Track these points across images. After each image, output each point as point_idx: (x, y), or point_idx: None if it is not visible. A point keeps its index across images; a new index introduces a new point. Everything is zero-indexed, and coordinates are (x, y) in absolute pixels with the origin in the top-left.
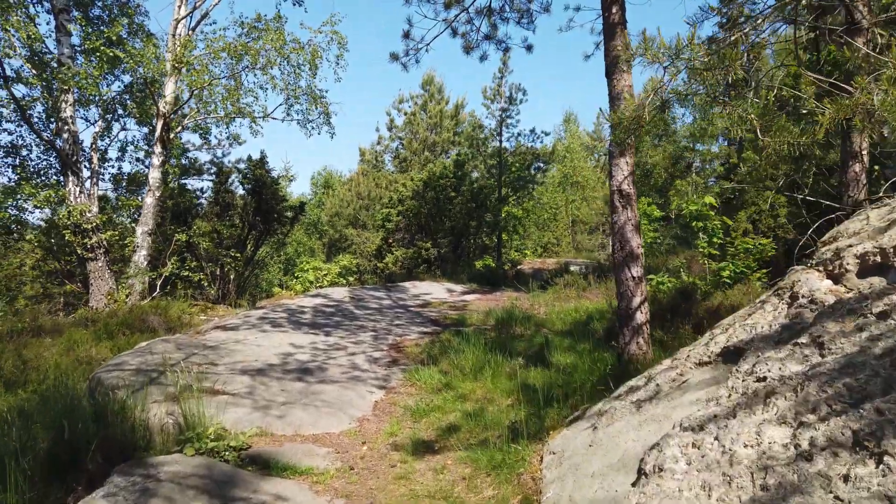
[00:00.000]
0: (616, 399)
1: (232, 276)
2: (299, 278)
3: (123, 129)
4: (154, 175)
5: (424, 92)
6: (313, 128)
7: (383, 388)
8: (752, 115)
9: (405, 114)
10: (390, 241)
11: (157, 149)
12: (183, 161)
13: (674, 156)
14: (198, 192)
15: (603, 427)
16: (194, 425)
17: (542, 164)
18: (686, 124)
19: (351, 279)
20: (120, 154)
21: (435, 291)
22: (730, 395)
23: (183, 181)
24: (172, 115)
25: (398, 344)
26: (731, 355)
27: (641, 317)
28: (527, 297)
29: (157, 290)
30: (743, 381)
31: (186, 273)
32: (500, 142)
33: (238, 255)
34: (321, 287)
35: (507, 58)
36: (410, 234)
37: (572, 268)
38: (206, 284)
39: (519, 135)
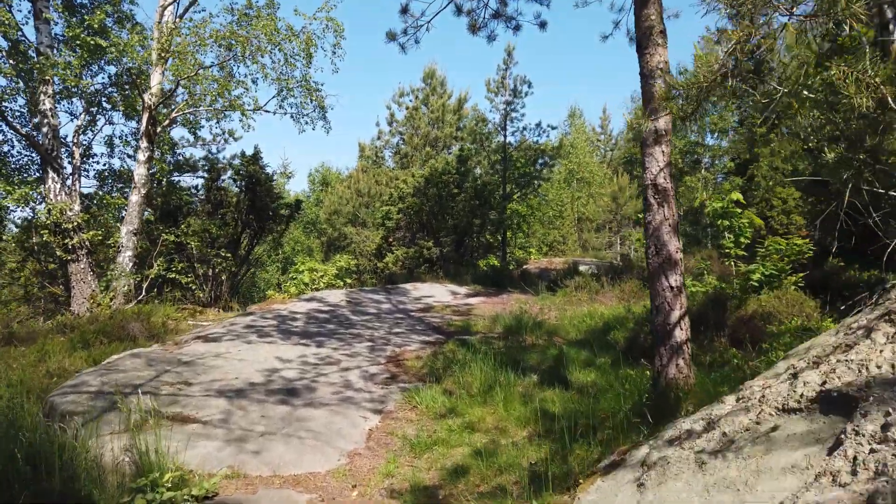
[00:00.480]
0: (667, 445)
1: (224, 278)
2: (294, 280)
3: (109, 122)
4: (139, 172)
5: (426, 85)
6: (308, 122)
7: (379, 413)
8: (877, 78)
9: (406, 108)
10: (391, 239)
11: (143, 144)
12: (174, 157)
13: (684, 150)
14: (191, 190)
15: (653, 486)
16: (151, 467)
17: (548, 160)
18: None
19: (349, 281)
20: (108, 150)
21: (437, 294)
22: (854, 471)
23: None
24: (159, 109)
25: (397, 356)
26: (837, 404)
27: (681, 334)
28: (535, 300)
29: (143, 293)
30: (871, 449)
31: (173, 275)
32: (505, 136)
33: (229, 255)
34: (317, 289)
35: (512, 47)
36: (412, 232)
37: (581, 268)
38: (194, 287)
39: (524, 129)
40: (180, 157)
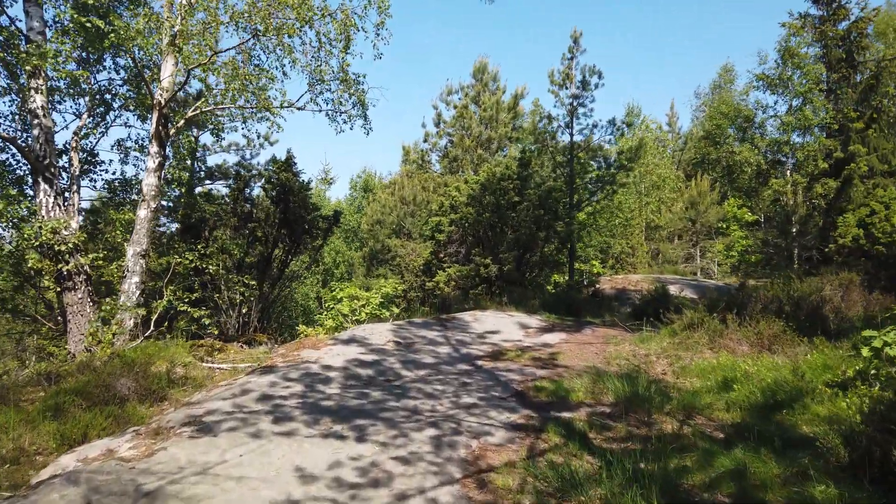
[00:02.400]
0: None
1: (250, 306)
2: (331, 311)
3: (126, 125)
4: (149, 181)
5: (476, 81)
6: (345, 121)
7: None
8: None
9: (454, 107)
10: (441, 255)
11: (153, 148)
12: (199, 164)
13: (766, 150)
14: (223, 200)
15: None
16: None
17: (624, 162)
18: (778, 114)
19: (396, 310)
20: (123, 156)
21: (505, 328)
22: None
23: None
24: (173, 107)
25: (477, 460)
26: None
27: None
28: (630, 339)
29: (152, 326)
30: None
31: (184, 307)
32: (571, 135)
33: (254, 283)
34: (358, 321)
35: (579, 33)
36: (466, 246)
37: (671, 289)
38: (207, 322)
39: (594, 126)
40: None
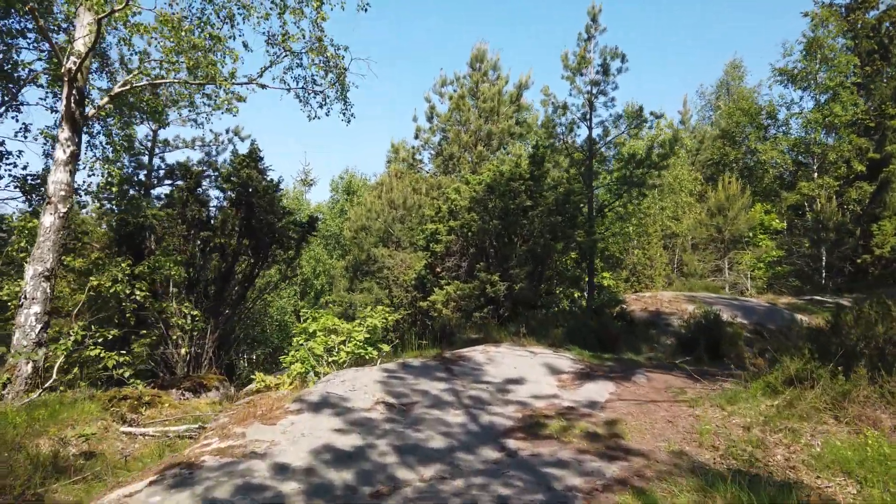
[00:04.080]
0: None
1: (203, 334)
2: (300, 351)
3: (52, 110)
4: (57, 178)
5: (474, 70)
6: (320, 104)
7: None
8: None
9: (450, 98)
10: (438, 269)
11: (63, 133)
12: (133, 159)
13: (790, 150)
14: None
15: None
16: None
17: (656, 160)
18: (804, 110)
19: (386, 347)
20: (48, 146)
21: (530, 373)
22: None
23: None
24: (93, 81)
25: None
26: None
27: None
28: (706, 394)
29: (54, 374)
30: None
31: (97, 350)
32: (590, 129)
33: (195, 312)
34: (336, 361)
35: (597, 9)
36: (468, 260)
37: (722, 312)
38: (126, 375)
39: (618, 118)
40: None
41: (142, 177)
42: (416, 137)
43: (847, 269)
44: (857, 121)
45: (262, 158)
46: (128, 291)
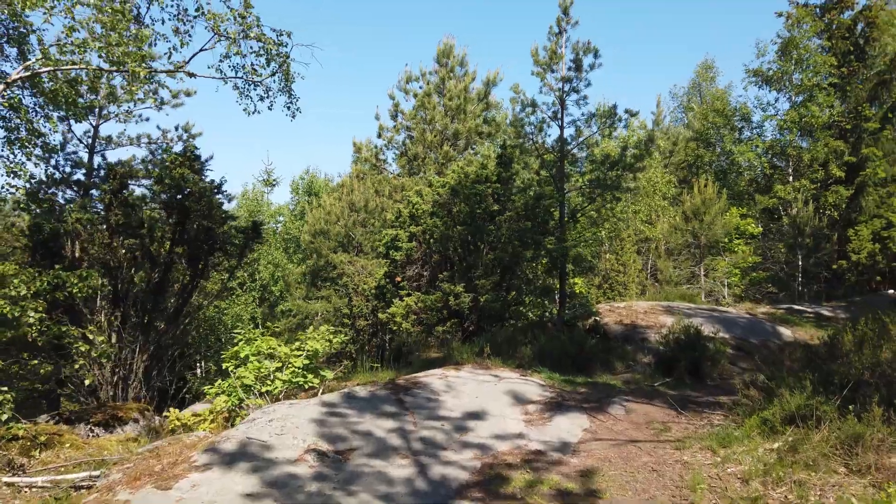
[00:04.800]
0: None
1: (130, 355)
2: (228, 381)
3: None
4: None
5: (441, 66)
6: (262, 97)
7: None
8: None
9: (415, 96)
10: (398, 279)
11: None
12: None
13: (767, 153)
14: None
15: None
16: None
17: (632, 161)
18: (779, 112)
19: (329, 375)
20: None
21: (493, 404)
22: None
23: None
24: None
25: None
26: None
27: None
28: (694, 432)
29: None
30: None
31: None
32: (562, 128)
33: (100, 338)
34: (271, 393)
35: (569, 1)
36: (430, 268)
37: (703, 328)
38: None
39: (591, 117)
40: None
41: (80, 176)
42: (380, 136)
43: (823, 275)
44: (833, 123)
45: (198, 157)
46: (16, 314)
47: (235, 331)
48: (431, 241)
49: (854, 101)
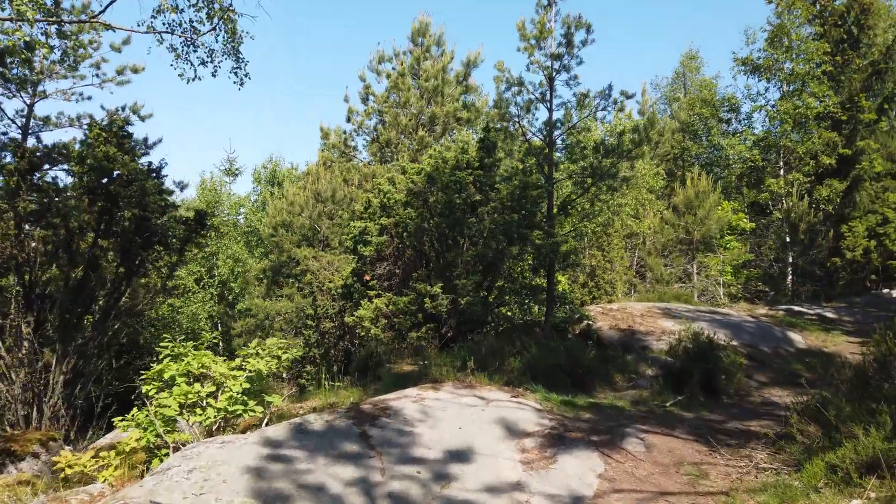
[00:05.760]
0: None
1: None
2: (145, 410)
3: None
4: None
5: (416, 46)
6: (203, 61)
7: None
8: None
9: (388, 77)
10: (367, 277)
11: None
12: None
13: (758, 144)
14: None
15: None
16: None
17: (630, 147)
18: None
19: (277, 400)
20: None
21: (481, 438)
22: None
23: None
24: None
25: None
26: None
27: None
28: (737, 481)
29: None
30: None
31: None
32: (550, 110)
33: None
34: (202, 425)
35: None
36: (403, 266)
37: (710, 332)
38: None
39: (584, 98)
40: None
41: (10, 159)
42: (349, 121)
43: (817, 273)
44: (827, 114)
45: (129, 134)
46: None
47: (161, 344)
48: (405, 234)
49: (848, 92)
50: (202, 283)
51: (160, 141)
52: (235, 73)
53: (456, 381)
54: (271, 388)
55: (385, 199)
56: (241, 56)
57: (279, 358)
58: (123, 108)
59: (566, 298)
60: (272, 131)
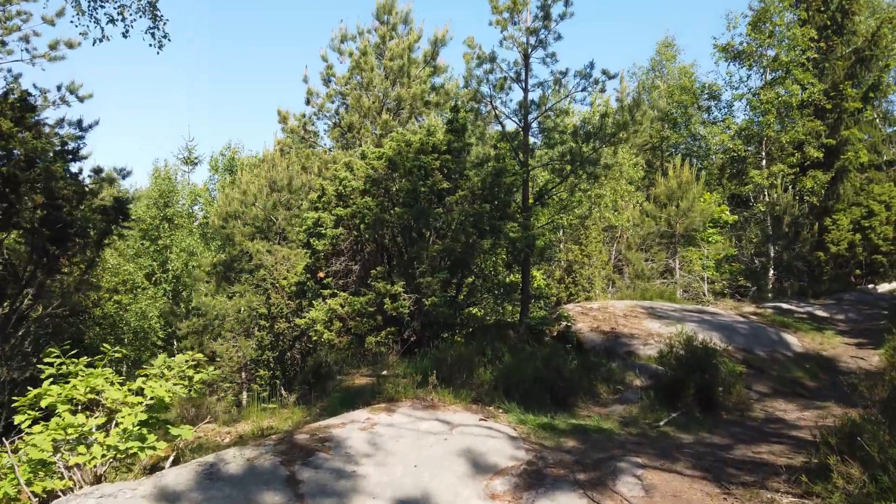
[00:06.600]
0: None
1: None
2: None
3: None
4: None
5: (382, 24)
6: (113, 18)
7: None
8: None
9: (350, 56)
10: (321, 274)
11: None
12: None
13: (741, 134)
14: None
15: None
16: None
17: (612, 131)
18: (752, 90)
19: (186, 433)
20: None
21: (441, 479)
22: None
23: None
24: None
25: None
26: None
27: None
28: None
29: None
30: None
31: None
32: (526, 90)
33: None
34: (84, 468)
35: None
36: (362, 262)
37: (697, 334)
38: None
39: (562, 76)
40: None
41: None
42: (308, 103)
43: (798, 266)
44: (811, 102)
45: (32, 107)
46: None
47: (45, 360)
48: (363, 226)
49: (832, 80)
50: (154, 279)
51: (96, 123)
52: (152, 35)
53: (415, 400)
54: (203, 407)
55: (341, 187)
56: (158, 14)
57: (190, 378)
58: (59, 88)
59: (542, 294)
60: (234, 118)
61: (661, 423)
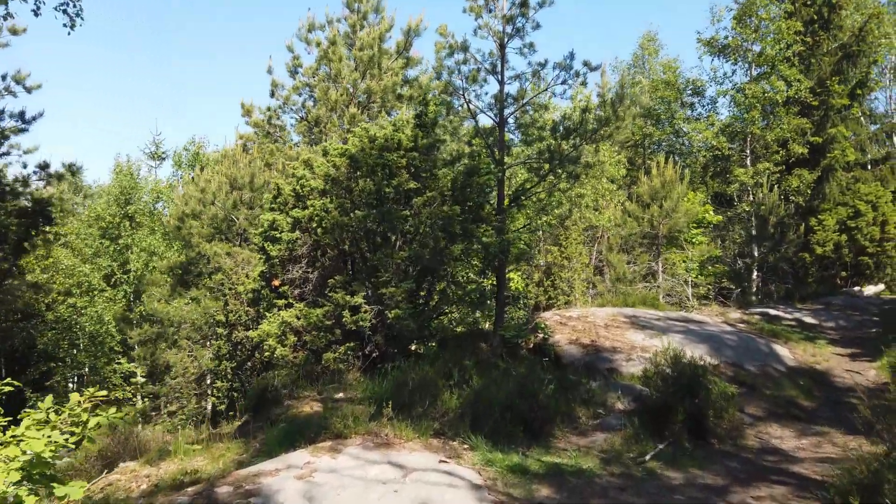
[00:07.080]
0: None
1: None
2: None
3: None
4: None
5: (352, 12)
6: None
7: None
8: None
9: (318, 46)
10: (277, 282)
11: None
12: None
13: (729, 131)
14: None
15: None
16: None
17: (594, 126)
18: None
19: (74, 493)
20: None
21: None
22: None
23: None
24: None
25: None
26: None
27: None
28: None
29: None
30: None
31: None
32: (502, 83)
33: None
34: None
35: None
36: (320, 269)
37: (683, 346)
38: None
39: (540, 67)
40: None
41: None
42: (273, 95)
43: (782, 268)
44: (797, 98)
45: None
46: None
47: None
48: (321, 230)
49: (818, 76)
50: (113, 280)
51: (41, 115)
52: (65, 11)
53: (366, 437)
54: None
55: (299, 187)
56: None
57: (84, 424)
58: (4, 77)
59: (521, 295)
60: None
61: (647, 458)
